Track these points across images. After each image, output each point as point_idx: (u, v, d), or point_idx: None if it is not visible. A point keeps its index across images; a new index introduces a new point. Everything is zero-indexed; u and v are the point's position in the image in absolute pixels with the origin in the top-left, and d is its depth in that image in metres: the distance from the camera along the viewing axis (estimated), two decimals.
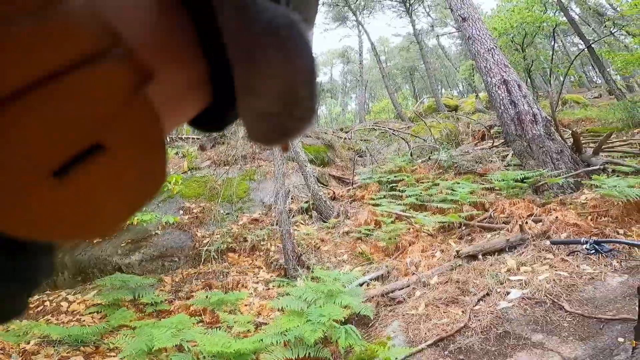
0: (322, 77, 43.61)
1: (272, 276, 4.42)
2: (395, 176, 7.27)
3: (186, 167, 6.45)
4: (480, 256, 4.05)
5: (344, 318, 3.09)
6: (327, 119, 33.90)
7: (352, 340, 2.66)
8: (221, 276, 4.27)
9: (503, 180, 6.18)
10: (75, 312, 3.87)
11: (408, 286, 3.59)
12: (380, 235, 5.13)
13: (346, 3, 21.02)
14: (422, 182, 7.08)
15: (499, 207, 5.58)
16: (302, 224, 5.82)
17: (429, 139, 8.51)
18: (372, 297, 3.50)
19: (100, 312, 3.82)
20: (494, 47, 7.15)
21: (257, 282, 4.21)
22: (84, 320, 3.75)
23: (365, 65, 29.62)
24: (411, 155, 8.17)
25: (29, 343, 3.23)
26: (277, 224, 5.49)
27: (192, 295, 3.98)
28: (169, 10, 0.15)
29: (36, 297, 3.96)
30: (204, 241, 4.94)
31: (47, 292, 4.12)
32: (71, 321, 3.75)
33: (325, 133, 8.81)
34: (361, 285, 3.89)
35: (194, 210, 5.57)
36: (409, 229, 5.39)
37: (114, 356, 3.00)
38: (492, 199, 5.92)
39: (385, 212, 5.83)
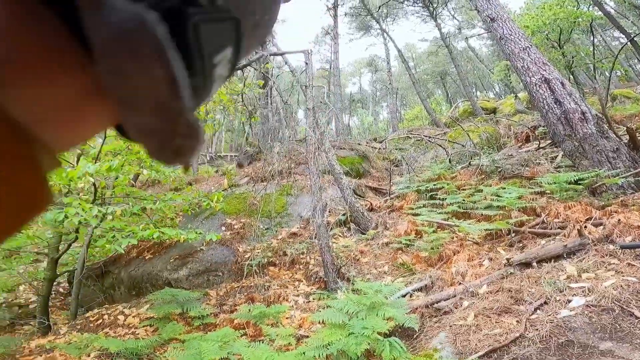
0: (351, 88, 43.54)
1: (312, 289, 4.40)
2: (434, 184, 7.04)
3: (226, 184, 6.71)
4: (534, 263, 3.75)
5: (388, 330, 2.98)
6: (359, 129, 33.60)
7: (397, 353, 2.55)
8: (263, 289, 4.32)
9: (555, 182, 5.74)
10: (130, 325, 4.10)
11: (454, 296, 3.40)
12: (421, 245, 4.95)
13: (368, 12, 21.15)
14: (463, 189, 6.78)
15: (552, 211, 5.18)
16: (340, 236, 5.78)
17: (468, 144, 8.18)
18: (416, 309, 3.36)
19: (153, 325, 4.01)
20: (529, 46, 6.82)
21: (298, 295, 4.21)
22: (138, 333, 3.96)
23: (393, 72, 29.28)
24: (450, 162, 7.89)
25: (89, 355, 3.42)
26: (315, 238, 5.51)
27: (236, 309, 4.06)
28: (28, 16, 0.13)
29: (95, 310, 4.26)
30: (246, 256, 5.06)
31: (106, 305, 4.42)
32: (127, 334, 3.98)
33: (359, 144, 8.78)
34: (404, 296, 3.75)
35: (235, 226, 5.75)
36: (453, 238, 5.16)
37: None
38: (544, 203, 5.51)
39: (425, 222, 5.64)
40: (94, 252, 4.88)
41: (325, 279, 4.44)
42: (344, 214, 6.32)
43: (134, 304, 4.37)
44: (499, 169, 7.14)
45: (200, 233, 5.05)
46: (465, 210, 6.02)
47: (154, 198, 5.47)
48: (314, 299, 4.09)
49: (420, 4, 20.43)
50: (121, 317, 4.18)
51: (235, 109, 5.96)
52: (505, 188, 6.28)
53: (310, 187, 7.20)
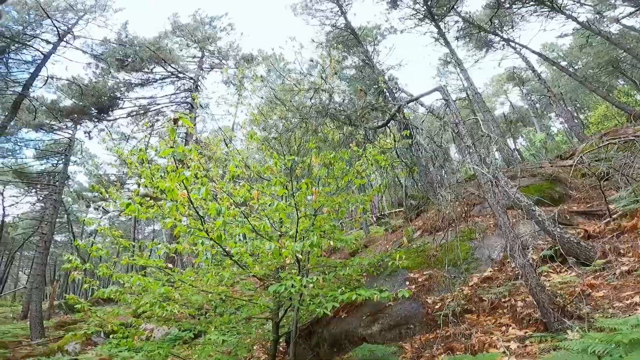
0: (500, 109, 37.31)
1: (526, 332, 3.51)
2: None
3: (406, 242, 6.66)
4: None
5: None
6: (530, 150, 27.30)
7: None
8: (462, 338, 3.75)
9: None
10: None
11: None
12: None
13: (480, 28, 19.18)
14: None
15: None
16: (552, 272, 4.60)
17: None
18: None
19: None
20: None
21: (509, 341, 3.42)
22: None
23: (545, 78, 24.02)
24: None
25: None
26: (517, 279, 4.57)
27: None
28: None
29: None
30: (436, 306, 4.64)
31: None
32: None
33: (541, 167, 7.25)
34: None
35: (419, 280, 5.48)
36: None
37: None
38: None
39: None
40: (302, 314, 5.53)
41: (544, 320, 3.50)
42: (549, 248, 5.10)
43: None
44: None
45: (387, 290, 5.06)
46: None
47: (342, 264, 5.99)
48: (532, 343, 3.23)
49: (532, 3, 17.34)
50: None
51: (391, 166, 6.26)
52: None
53: (496, 227, 6.29)
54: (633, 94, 24.01)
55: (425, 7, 18.65)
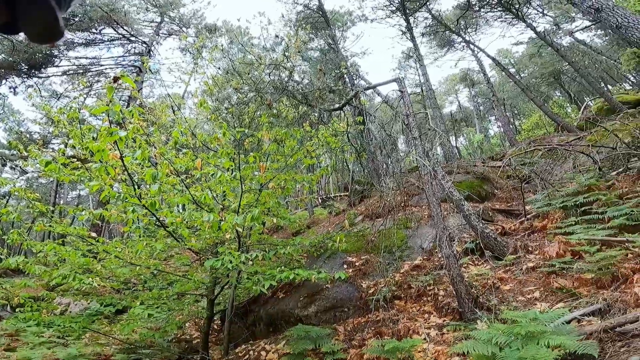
0: (449, 107, 40.02)
1: (444, 320, 3.93)
2: (584, 197, 5.78)
3: (347, 225, 6.89)
4: None
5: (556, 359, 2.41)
6: (468, 149, 30.03)
7: None
8: (390, 323, 4.08)
9: None
10: None
11: None
12: (584, 267, 4.00)
13: (446, 27, 20.22)
14: (628, 199, 5.38)
15: None
16: (471, 264, 5.16)
17: (618, 145, 6.59)
18: (590, 334, 2.63)
19: None
20: None
21: (429, 328, 3.81)
22: None
23: (493, 82, 26.23)
24: (600, 169, 6.44)
25: None
26: (442, 269, 5.04)
27: (364, 344, 3.90)
28: None
29: (242, 346, 4.68)
30: (370, 291, 4.94)
31: (250, 342, 4.83)
32: None
33: (474, 165, 7.98)
34: (568, 322, 3.01)
35: (357, 264, 5.76)
36: (627, 255, 4.03)
37: None
38: None
39: (583, 240, 4.61)
40: (239, 292, 5.51)
41: (460, 310, 3.93)
42: (472, 242, 5.68)
43: (272, 339, 4.66)
44: None
45: (325, 272, 5.22)
46: (637, 222, 4.71)
47: (284, 243, 6.02)
48: (448, 331, 3.63)
49: (499, 9, 18.66)
50: (263, 353, 4.48)
51: (342, 150, 6.33)
52: None
53: (429, 218, 6.79)
54: (565, 106, 26.99)
55: None
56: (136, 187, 5.07)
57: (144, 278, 5.47)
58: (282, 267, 4.97)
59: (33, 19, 0.38)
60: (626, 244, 4.26)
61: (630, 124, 6.99)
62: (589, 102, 16.20)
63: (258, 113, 5.34)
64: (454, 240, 5.93)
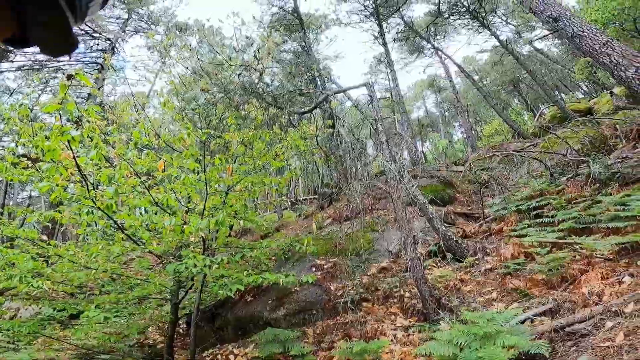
0: (416, 113, 41.66)
1: (410, 322, 4.08)
2: (537, 202, 6.22)
3: (315, 228, 6.92)
4: None
5: (511, 359, 2.56)
6: (434, 154, 31.54)
7: None
8: (358, 325, 4.15)
9: None
10: None
11: (592, 317, 2.79)
12: (536, 268, 4.30)
13: (416, 34, 21.09)
14: (576, 203, 5.85)
15: None
16: (434, 266, 5.37)
17: (569, 152, 7.17)
18: (542, 334, 2.84)
19: None
20: (610, 40, 6.12)
21: (396, 329, 3.93)
22: None
23: (459, 89, 27.63)
24: (551, 175, 6.96)
25: None
26: (408, 271, 5.20)
27: (333, 346, 3.95)
28: None
29: (210, 350, 4.56)
30: (338, 293, 5.00)
31: (218, 346, 4.71)
32: None
33: (438, 170, 8.35)
34: (522, 322, 3.23)
35: (325, 267, 5.80)
36: (575, 257, 4.38)
37: None
38: None
39: (535, 243, 4.95)
40: (205, 296, 5.35)
41: (424, 311, 4.09)
42: (435, 244, 5.92)
43: (241, 343, 4.58)
44: (617, 175, 6.03)
45: (293, 275, 5.21)
46: (584, 226, 5.15)
47: (251, 246, 5.93)
48: (414, 332, 3.77)
49: (467, 17, 19.80)
50: (231, 357, 4.39)
51: (311, 153, 6.35)
52: (631, 195, 5.27)
53: (396, 222, 6.98)
54: (522, 113, 28.86)
55: (374, 4, 19.19)
56: (91, 188, 4.79)
57: (101, 282, 5.16)
58: (250, 271, 4.90)
59: (43, 28, 0.34)
60: (574, 246, 4.63)
61: (580, 132, 7.62)
62: (544, 110, 17.48)
63: (226, 114, 5.22)
64: (418, 243, 6.15)
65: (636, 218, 4.62)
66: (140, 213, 5.79)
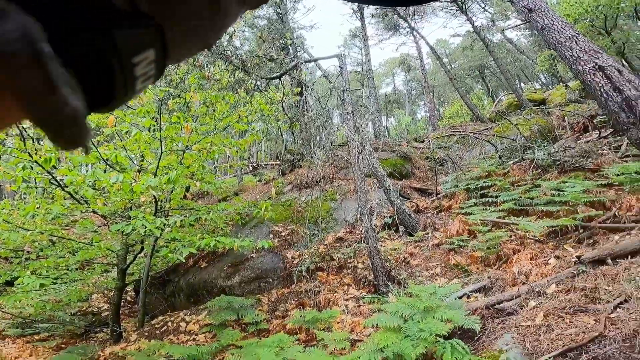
0: (385, 89, 42.58)
1: (362, 293, 4.34)
2: (484, 182, 6.67)
3: (274, 193, 6.88)
4: (609, 260, 3.39)
5: (446, 333, 2.84)
6: (397, 130, 32.91)
7: (459, 355, 2.42)
8: (312, 295, 4.35)
9: (624, 173, 5.22)
10: (191, 331, 4.31)
11: (518, 296, 3.16)
12: (476, 245, 4.69)
13: (395, 11, 20.85)
14: (518, 185, 6.36)
15: (624, 204, 4.69)
16: (387, 239, 5.67)
17: (518, 137, 7.66)
18: (476, 310, 3.17)
19: (211, 331, 4.17)
20: (576, 34, 6.37)
21: (348, 300, 4.17)
22: (198, 340, 4.14)
23: (428, 70, 28.41)
24: (500, 157, 7.44)
25: None
26: (363, 242, 5.45)
27: (288, 314, 4.11)
28: None
29: (160, 317, 4.54)
30: (294, 262, 5.13)
31: (169, 313, 4.70)
32: (189, 340, 4.17)
33: (399, 145, 8.58)
34: (460, 298, 3.57)
35: (283, 234, 5.87)
36: (511, 237, 4.83)
37: None
38: (613, 196, 5.00)
39: (479, 221, 5.36)
40: (156, 262, 5.23)
41: (375, 283, 4.36)
42: (390, 217, 6.20)
43: (193, 310, 4.60)
44: (557, 162, 6.60)
45: (250, 241, 5.22)
46: (522, 207, 5.64)
47: (207, 209, 5.77)
48: (364, 303, 4.03)
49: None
50: (183, 324, 4.41)
51: (276, 118, 6.15)
52: (566, 182, 5.82)
53: (355, 192, 7.16)
54: (483, 98, 30.17)
55: None
56: (27, 141, 4.33)
57: (39, 245, 4.79)
58: (204, 234, 4.81)
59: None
60: (511, 226, 5.09)
61: (532, 120, 8.12)
62: (502, 97, 18.33)
63: (188, 74, 4.77)
64: (374, 214, 6.41)
65: (568, 203, 5.13)
66: (86, 170, 5.33)
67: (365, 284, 4.52)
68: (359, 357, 2.93)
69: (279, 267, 5.07)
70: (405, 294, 4.07)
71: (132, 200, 5.05)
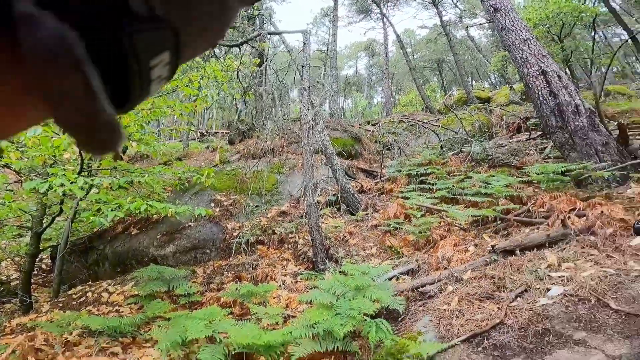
0: (347, 71, 43.08)
1: (300, 269, 4.44)
2: (425, 169, 7.08)
3: (218, 160, 6.58)
4: (517, 251, 3.84)
5: (374, 312, 3.04)
6: (352, 112, 33.82)
7: (383, 335, 2.61)
8: (250, 268, 4.34)
9: (542, 173, 5.85)
10: (114, 303, 4.07)
11: (439, 281, 3.47)
12: (410, 229, 5.01)
13: None
14: (453, 175, 6.85)
15: (538, 200, 5.28)
16: (330, 216, 5.80)
17: (460, 131, 8.19)
18: (402, 292, 3.42)
19: (138, 303, 3.98)
20: (530, 38, 6.79)
21: (286, 275, 4.25)
22: (122, 311, 3.92)
23: (391, 58, 29.09)
24: (441, 147, 7.90)
25: (71, 334, 3.29)
26: (305, 217, 5.51)
27: (223, 287, 4.07)
28: None
29: (78, 287, 4.21)
30: (234, 233, 5.04)
31: (89, 283, 4.37)
32: (111, 312, 3.94)
33: (352, 126, 8.70)
34: (390, 279, 3.82)
35: (225, 203, 5.70)
36: (440, 223, 5.23)
37: (149, 347, 3.11)
38: (530, 193, 5.61)
39: (415, 205, 5.69)
40: (78, 226, 4.76)
41: (313, 259, 4.47)
42: (334, 194, 6.32)
43: (119, 281, 4.34)
44: (489, 157, 7.20)
45: (189, 208, 4.97)
46: (454, 196, 6.10)
47: (142, 171, 5.34)
48: (301, 279, 4.13)
49: None
50: (105, 295, 4.15)
51: (230, 86, 5.76)
52: (494, 176, 6.37)
53: (302, 166, 7.14)
54: (437, 91, 31.61)
55: None
56: None
57: None
58: (136, 198, 4.47)
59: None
60: (442, 213, 5.51)
61: (475, 116, 8.66)
62: (454, 91, 19.39)
63: None
64: (318, 190, 6.49)
65: (492, 196, 5.66)
66: None
67: (304, 260, 4.62)
68: (290, 332, 3.02)
69: (218, 238, 4.94)
70: (340, 272, 4.24)
71: (53, 156, 4.47)
